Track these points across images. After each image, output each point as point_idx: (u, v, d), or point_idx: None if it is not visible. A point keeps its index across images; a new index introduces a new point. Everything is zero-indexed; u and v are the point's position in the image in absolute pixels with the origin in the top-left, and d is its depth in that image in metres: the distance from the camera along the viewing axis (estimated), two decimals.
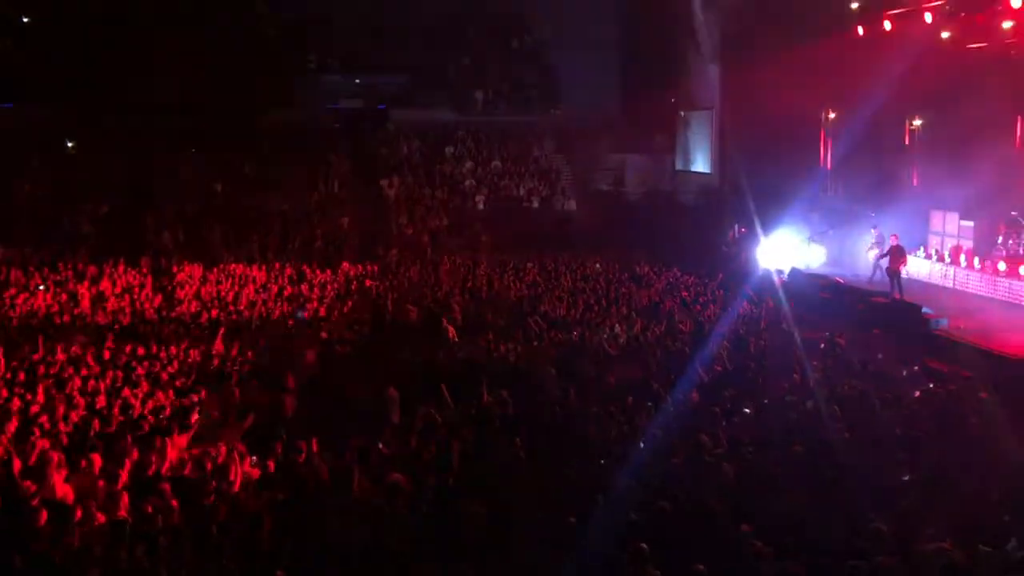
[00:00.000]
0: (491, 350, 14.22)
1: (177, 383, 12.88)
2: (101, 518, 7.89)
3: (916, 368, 14.14)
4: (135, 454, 9.13)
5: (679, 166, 34.67)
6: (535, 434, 9.76)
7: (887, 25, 21.09)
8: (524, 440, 9.38)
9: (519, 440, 9.30)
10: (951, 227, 21.26)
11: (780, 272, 21.48)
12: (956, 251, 20.66)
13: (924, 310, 17.30)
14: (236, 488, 8.57)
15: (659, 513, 7.16)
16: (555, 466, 8.54)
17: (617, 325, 16.01)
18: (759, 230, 23.35)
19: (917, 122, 22.69)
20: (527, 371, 13.11)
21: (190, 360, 14.17)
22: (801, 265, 22.15)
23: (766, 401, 11.49)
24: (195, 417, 11.17)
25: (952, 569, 4.81)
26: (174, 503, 8.08)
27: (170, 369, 13.60)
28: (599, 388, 12.14)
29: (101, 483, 8.51)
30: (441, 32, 35.71)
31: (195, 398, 12.04)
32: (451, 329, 15.30)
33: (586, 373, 12.86)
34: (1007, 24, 18.10)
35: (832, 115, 25.34)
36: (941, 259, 20.92)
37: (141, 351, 14.55)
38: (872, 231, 20.43)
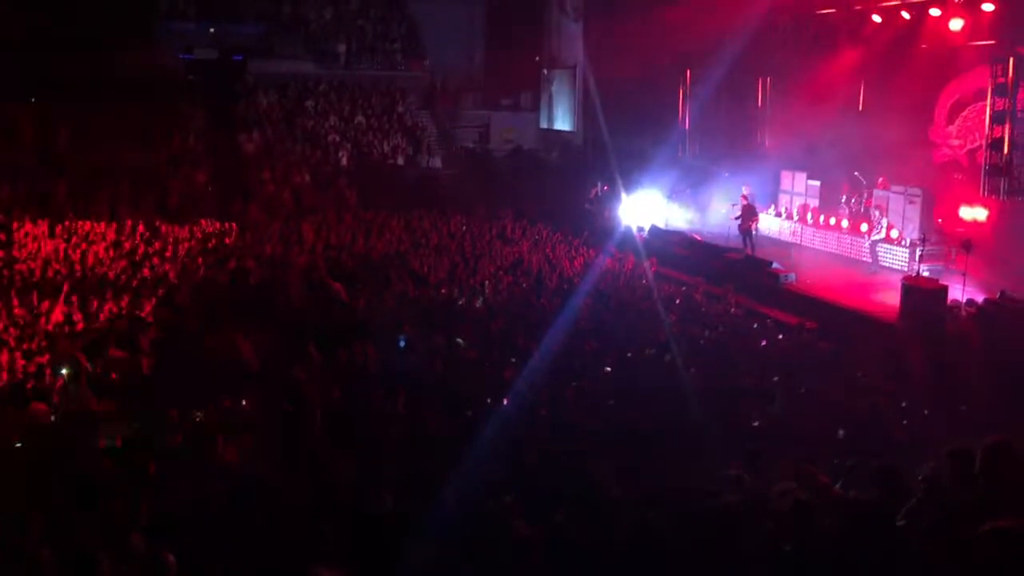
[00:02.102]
0: (362, 307, 14.04)
1: (25, 346, 12.13)
2: None
3: (767, 321, 14.86)
4: None
5: (543, 124, 34.89)
6: (403, 389, 9.73)
7: None
8: (392, 395, 9.34)
9: (384, 395, 9.26)
10: (799, 186, 22.27)
11: (640, 229, 22.03)
12: (804, 209, 21.68)
13: (774, 265, 18.13)
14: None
15: (523, 466, 7.29)
16: (423, 420, 8.55)
17: (486, 282, 16.09)
18: (621, 188, 23.84)
19: (770, 83, 23.58)
20: (393, 327, 13.01)
21: (39, 322, 13.33)
22: (661, 222, 22.77)
23: (629, 355, 11.81)
24: (48, 382, 10.60)
25: (799, 506, 5.10)
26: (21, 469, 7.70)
27: (14, 332, 12.78)
28: (467, 343, 12.19)
29: None
30: None
31: (43, 361, 11.39)
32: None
33: (453, 329, 12.88)
34: None
35: (691, 75, 25.99)
36: (790, 217, 21.93)
37: None
38: (744, 188, 20.96)
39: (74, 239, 19.34)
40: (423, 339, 12.05)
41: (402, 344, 11.94)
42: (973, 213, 18.20)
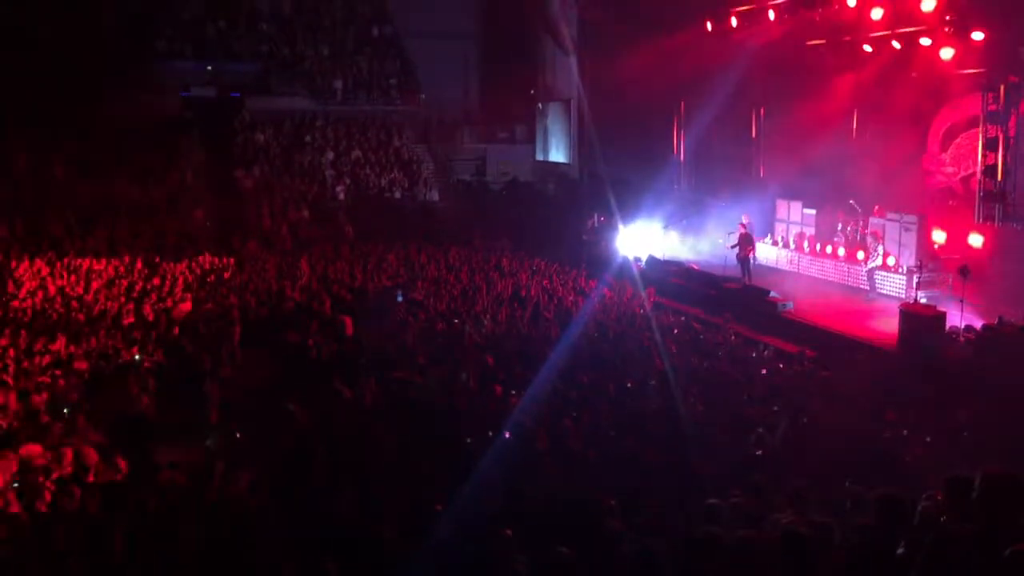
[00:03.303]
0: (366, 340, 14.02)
1: (21, 384, 12.07)
2: None
3: (766, 350, 14.84)
4: None
5: (539, 156, 35.13)
6: (403, 422, 9.71)
7: (733, 21, 21.97)
8: (392, 428, 9.32)
9: (383, 429, 9.24)
10: (795, 215, 22.35)
11: (637, 259, 22.07)
12: (800, 238, 21.76)
13: (772, 294, 18.15)
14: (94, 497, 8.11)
15: (523, 497, 7.24)
16: (422, 452, 8.52)
17: (485, 313, 16.08)
18: (618, 219, 23.92)
19: (764, 113, 23.78)
20: (394, 360, 13.01)
21: (36, 361, 13.29)
22: (658, 252, 22.82)
23: (629, 385, 11.78)
24: (45, 421, 10.55)
25: (796, 539, 5.06)
26: (17, 510, 7.64)
27: (11, 370, 12.73)
28: (468, 374, 12.17)
29: None
30: (296, 19, 34.97)
31: (38, 400, 11.35)
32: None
33: (454, 360, 12.86)
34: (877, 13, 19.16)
35: (685, 106, 26.20)
36: (787, 245, 22.00)
37: None
38: (743, 217, 20.99)
39: (73, 277, 19.36)
40: (425, 370, 12.05)
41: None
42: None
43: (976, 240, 17.95)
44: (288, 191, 29.19)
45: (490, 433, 9.48)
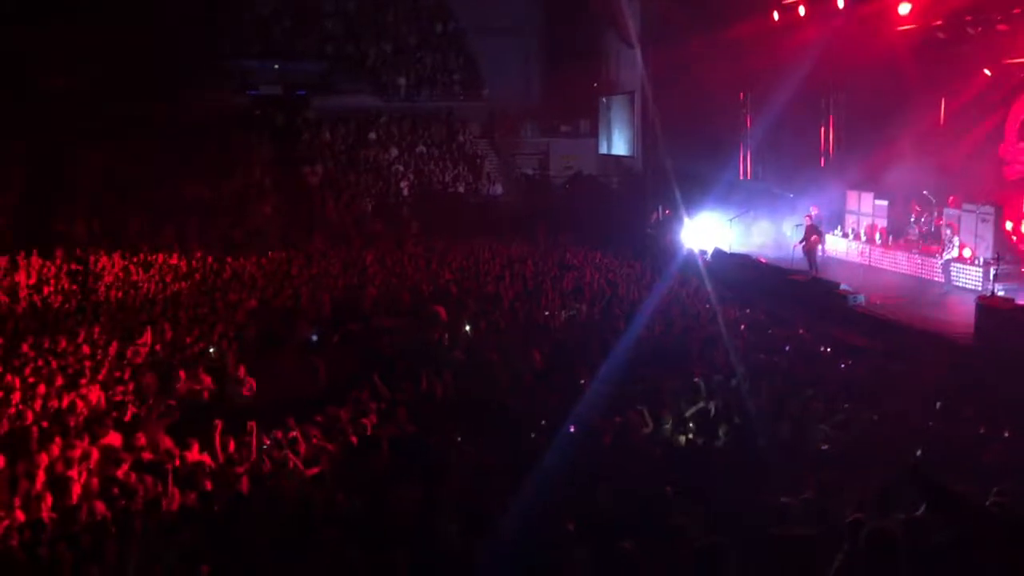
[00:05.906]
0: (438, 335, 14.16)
1: (100, 376, 12.47)
2: (21, 516, 7.71)
3: (836, 344, 14.56)
4: (55, 451, 8.92)
5: (602, 149, 34.93)
6: (471, 416, 9.80)
7: (802, 10, 21.52)
8: (460, 422, 9.41)
9: (452, 424, 9.33)
10: (866, 206, 21.84)
11: (703, 253, 21.82)
12: (871, 230, 21.27)
13: (842, 287, 17.77)
14: (169, 484, 8.34)
15: (587, 492, 7.24)
16: (487, 446, 8.57)
17: (548, 307, 16.08)
18: (683, 212, 23.67)
19: (833, 103, 23.28)
20: (466, 354, 13.12)
21: (112, 353, 13.70)
22: (725, 246, 22.51)
23: (696, 380, 11.67)
24: (131, 411, 10.95)
25: (877, 536, 4.94)
26: (98, 503, 7.92)
27: (88, 363, 13.14)
28: (532, 368, 12.21)
29: (25, 483, 8.29)
30: (360, 17, 35.37)
31: (120, 390, 11.76)
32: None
33: (522, 354, 12.88)
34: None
35: (751, 97, 25.79)
36: (857, 237, 21.53)
37: (65, 345, 13.93)
38: (812, 209, 20.62)
39: (148, 272, 19.92)
40: (491, 364, 12.13)
41: None
42: None
43: None
44: (353, 187, 29.59)
45: (555, 427, 9.51)
